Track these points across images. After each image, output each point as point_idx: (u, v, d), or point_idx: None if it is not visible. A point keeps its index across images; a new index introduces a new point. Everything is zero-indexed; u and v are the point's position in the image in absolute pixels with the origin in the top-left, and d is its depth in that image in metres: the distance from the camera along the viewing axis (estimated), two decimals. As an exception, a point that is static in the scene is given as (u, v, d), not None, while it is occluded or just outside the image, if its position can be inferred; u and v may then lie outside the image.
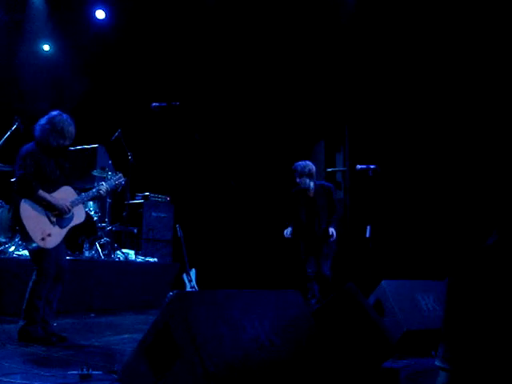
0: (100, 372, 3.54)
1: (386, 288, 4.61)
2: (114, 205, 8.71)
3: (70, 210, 4.81)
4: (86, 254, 7.76)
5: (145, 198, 9.26)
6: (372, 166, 6.74)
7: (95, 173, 8.49)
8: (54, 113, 4.92)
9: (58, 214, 4.74)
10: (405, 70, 8.17)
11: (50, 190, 4.75)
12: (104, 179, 8.43)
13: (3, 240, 7.07)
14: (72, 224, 4.87)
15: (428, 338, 4.50)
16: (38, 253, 4.70)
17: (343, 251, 8.60)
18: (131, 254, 8.39)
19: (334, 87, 9.18)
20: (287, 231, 7.00)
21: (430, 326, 4.55)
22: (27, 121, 7.69)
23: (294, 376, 2.92)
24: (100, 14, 10.17)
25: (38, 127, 4.86)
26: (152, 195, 9.33)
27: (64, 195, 4.82)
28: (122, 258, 8.12)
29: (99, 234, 8.06)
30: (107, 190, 5.18)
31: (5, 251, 6.80)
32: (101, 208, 8.32)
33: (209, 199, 9.96)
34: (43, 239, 4.61)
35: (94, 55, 10.19)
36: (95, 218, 8.04)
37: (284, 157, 9.42)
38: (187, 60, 10.03)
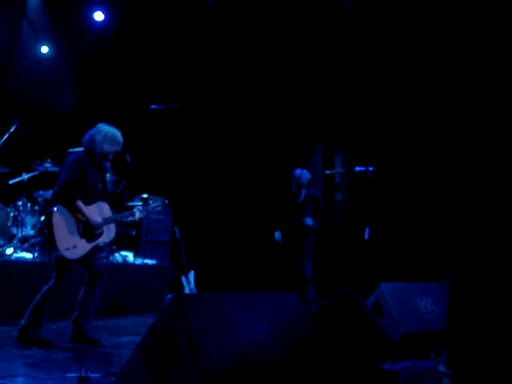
0: (98, 374, 3.53)
1: (385, 290, 4.61)
2: (112, 207, 8.69)
3: (101, 227, 4.77)
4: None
5: (143, 200, 9.24)
6: (370, 168, 6.76)
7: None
8: (102, 124, 4.94)
9: (88, 228, 4.70)
10: (403, 72, 8.18)
11: (88, 202, 4.73)
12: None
13: (1, 242, 7.06)
14: (100, 240, 4.82)
15: (427, 340, 4.50)
16: (60, 261, 4.67)
17: (342, 253, 8.60)
18: (130, 256, 8.38)
19: (332, 89, 9.19)
20: (278, 235, 7.31)
21: (429, 327, 4.55)
22: (25, 122, 7.70)
23: (292, 378, 2.92)
24: (98, 16, 10.17)
25: (89, 136, 4.86)
26: (150, 197, 9.31)
27: (99, 210, 4.80)
28: (120, 261, 8.11)
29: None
30: (143, 216, 5.13)
31: (2, 253, 6.79)
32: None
33: (207, 201, 9.96)
34: (68, 249, 4.57)
35: (92, 57, 10.18)
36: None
37: (283, 159, 9.43)
38: (186, 62, 10.03)
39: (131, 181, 8.82)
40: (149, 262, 8.51)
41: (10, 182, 7.66)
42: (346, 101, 9.09)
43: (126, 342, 5.09)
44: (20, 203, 7.34)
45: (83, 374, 3.45)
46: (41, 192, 7.62)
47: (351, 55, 8.82)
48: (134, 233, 8.86)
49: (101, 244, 5.00)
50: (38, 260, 6.91)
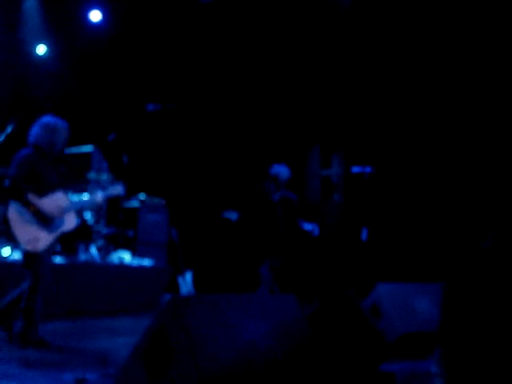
0: (95, 376, 3.53)
1: (382, 291, 4.62)
2: (109, 207, 8.69)
3: (59, 217, 4.78)
4: (82, 256, 7.73)
5: (140, 200, 9.24)
6: (368, 169, 6.76)
7: (90, 175, 8.47)
8: (49, 118, 4.93)
9: (46, 219, 4.72)
10: (400, 72, 8.19)
11: (44, 195, 4.74)
12: (98, 182, 8.50)
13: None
14: (61, 230, 4.83)
15: (424, 341, 4.50)
16: (29, 256, 4.69)
17: (339, 254, 8.60)
18: (126, 257, 8.36)
19: (329, 89, 9.19)
20: (233, 215, 7.08)
21: (426, 328, 4.56)
22: (22, 123, 7.69)
23: (289, 379, 2.92)
24: (96, 16, 10.16)
25: (35, 131, 4.86)
26: (147, 198, 9.31)
27: (56, 201, 4.80)
28: (117, 261, 8.10)
29: (94, 236, 8.04)
30: (101, 201, 5.12)
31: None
32: (96, 211, 8.30)
33: (204, 202, 9.95)
34: (30, 242, 4.60)
35: (89, 57, 10.17)
36: (90, 221, 8.02)
37: (281, 159, 9.42)
38: (183, 63, 10.03)
39: (128, 181, 8.80)
40: (145, 262, 8.49)
41: (5, 182, 7.62)
42: (342, 101, 9.09)
43: (122, 342, 5.07)
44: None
45: (80, 375, 3.44)
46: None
47: (348, 55, 8.83)
48: (130, 233, 8.86)
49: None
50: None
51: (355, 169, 6.81)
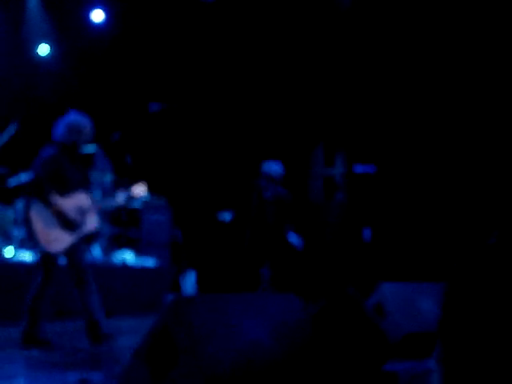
0: (99, 376, 3.53)
1: (386, 290, 4.60)
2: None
3: (80, 218, 4.69)
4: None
5: (143, 200, 9.23)
6: (371, 168, 6.74)
7: (93, 175, 8.47)
8: (75, 116, 4.84)
9: (67, 220, 4.64)
10: (403, 70, 8.18)
11: (66, 195, 4.66)
12: (102, 182, 8.50)
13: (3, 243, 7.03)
14: (83, 230, 4.73)
15: (428, 341, 4.49)
16: (44, 256, 4.65)
17: (342, 253, 8.59)
18: (129, 256, 8.37)
19: (332, 88, 9.19)
20: (227, 216, 6.87)
21: (430, 328, 4.55)
22: (26, 123, 7.70)
23: (292, 379, 2.91)
24: (99, 16, 10.16)
25: (61, 130, 4.76)
26: (151, 198, 9.30)
27: (78, 201, 4.71)
28: (119, 261, 8.10)
29: (97, 237, 8.04)
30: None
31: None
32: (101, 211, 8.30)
33: (208, 201, 9.94)
34: (49, 243, 4.54)
35: (92, 57, 10.18)
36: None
37: (283, 159, 9.42)
38: (186, 62, 10.03)
39: (131, 181, 8.80)
40: (148, 262, 8.50)
41: (12, 184, 7.64)
42: (345, 100, 9.08)
43: (126, 343, 5.05)
44: (21, 204, 7.33)
45: (84, 375, 3.44)
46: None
47: (352, 54, 8.82)
48: (133, 233, 8.86)
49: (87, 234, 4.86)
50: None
51: (358, 168, 6.78)
